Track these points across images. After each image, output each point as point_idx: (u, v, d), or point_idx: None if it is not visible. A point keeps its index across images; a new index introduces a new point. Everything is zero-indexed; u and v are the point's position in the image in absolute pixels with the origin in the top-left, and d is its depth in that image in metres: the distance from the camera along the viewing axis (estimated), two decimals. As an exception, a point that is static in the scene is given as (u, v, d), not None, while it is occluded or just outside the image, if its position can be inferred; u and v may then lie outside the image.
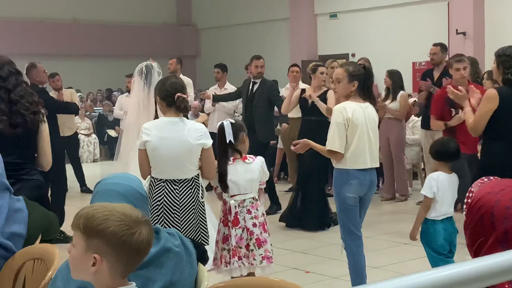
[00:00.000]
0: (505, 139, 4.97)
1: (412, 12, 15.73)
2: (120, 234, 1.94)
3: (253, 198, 4.70)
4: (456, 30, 14.21)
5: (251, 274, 4.61)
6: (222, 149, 4.72)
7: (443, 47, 8.67)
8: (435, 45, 8.69)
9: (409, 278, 1.22)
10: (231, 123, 4.73)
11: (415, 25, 15.38)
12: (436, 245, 4.70)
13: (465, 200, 2.09)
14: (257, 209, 4.69)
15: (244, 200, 4.67)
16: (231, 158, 4.70)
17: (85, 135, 14.21)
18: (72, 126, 10.61)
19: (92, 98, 18.22)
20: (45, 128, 4.54)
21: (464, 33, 14.14)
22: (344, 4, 17.29)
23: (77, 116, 12.24)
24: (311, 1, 18.01)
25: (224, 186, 4.68)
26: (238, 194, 4.67)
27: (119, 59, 19.27)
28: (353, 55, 16.17)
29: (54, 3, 19.74)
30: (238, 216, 4.63)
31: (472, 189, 2.09)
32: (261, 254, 4.61)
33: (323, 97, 7.67)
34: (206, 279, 2.65)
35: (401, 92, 8.91)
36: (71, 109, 8.77)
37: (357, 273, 4.79)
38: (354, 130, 4.57)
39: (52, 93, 10.40)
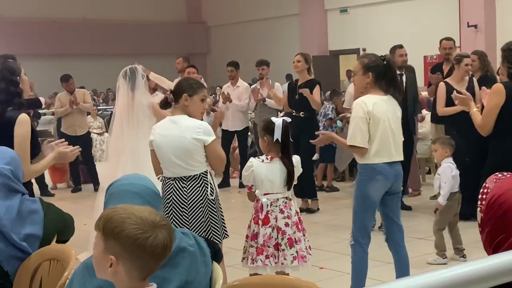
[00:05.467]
0: None
1: (423, 5, 15.68)
2: (134, 238, 1.97)
3: (286, 198, 4.65)
4: (467, 23, 14.15)
5: (281, 274, 4.51)
6: (286, 147, 4.63)
7: (454, 42, 8.68)
8: (447, 39, 8.64)
9: (425, 276, 1.21)
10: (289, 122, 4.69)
11: (426, 18, 15.33)
12: None
13: (480, 196, 2.06)
14: (290, 209, 4.64)
15: (278, 199, 4.61)
16: (269, 157, 4.63)
17: (98, 134, 14.24)
18: (84, 125, 10.64)
19: (104, 97, 18.26)
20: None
21: (475, 26, 14.08)
22: (354, -2, 17.27)
23: (89, 115, 12.26)
24: (321, -4, 17.99)
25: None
26: (271, 193, 4.62)
27: (129, 58, 19.37)
28: (364, 49, 16.12)
29: (64, 3, 19.82)
30: (269, 215, 4.58)
31: (487, 185, 2.06)
32: (293, 254, 4.56)
33: (471, 85, 7.47)
34: (220, 277, 2.67)
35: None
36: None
37: (362, 270, 4.70)
38: (377, 124, 4.48)
39: (65, 94, 10.48)
